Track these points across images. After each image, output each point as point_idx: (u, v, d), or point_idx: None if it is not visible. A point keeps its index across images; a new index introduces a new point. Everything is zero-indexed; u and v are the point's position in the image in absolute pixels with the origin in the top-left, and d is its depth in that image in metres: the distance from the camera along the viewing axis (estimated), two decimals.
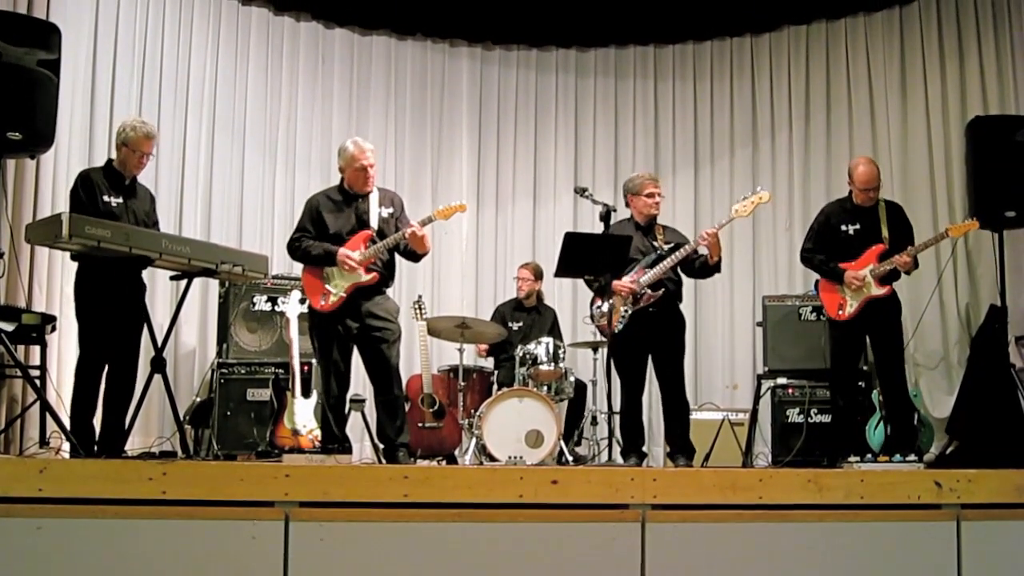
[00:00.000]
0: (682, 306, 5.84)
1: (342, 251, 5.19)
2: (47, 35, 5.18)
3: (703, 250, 5.53)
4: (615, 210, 5.43)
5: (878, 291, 5.56)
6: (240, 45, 7.88)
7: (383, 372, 5.25)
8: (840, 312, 5.64)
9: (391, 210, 5.40)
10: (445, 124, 8.68)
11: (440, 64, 8.70)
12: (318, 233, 5.31)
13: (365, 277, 5.22)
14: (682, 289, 5.78)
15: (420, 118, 8.61)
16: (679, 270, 5.67)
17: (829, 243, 5.76)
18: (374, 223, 5.31)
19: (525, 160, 8.74)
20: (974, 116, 6.72)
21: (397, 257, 5.48)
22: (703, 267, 5.64)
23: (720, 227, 5.49)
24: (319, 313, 5.27)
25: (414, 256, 5.44)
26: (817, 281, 7.12)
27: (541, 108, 8.80)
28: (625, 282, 5.46)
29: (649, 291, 5.49)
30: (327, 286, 5.23)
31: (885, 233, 5.62)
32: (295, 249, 5.35)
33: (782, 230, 8.28)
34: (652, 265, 5.54)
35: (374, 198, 5.38)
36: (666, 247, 5.59)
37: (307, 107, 8.19)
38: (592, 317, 5.78)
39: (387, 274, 5.38)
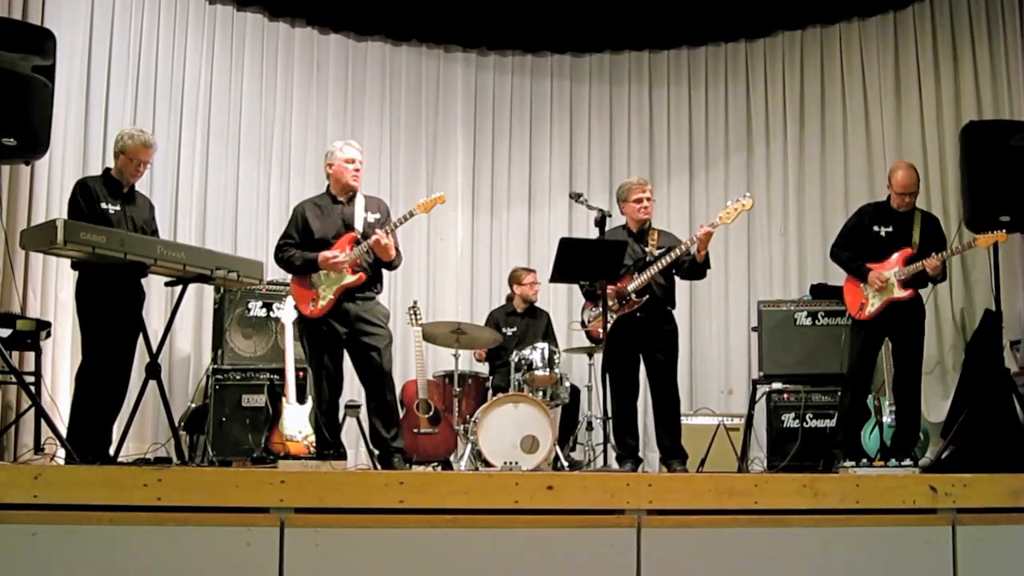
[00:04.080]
0: (678, 311, 5.85)
1: (323, 253, 5.19)
2: (42, 41, 5.15)
3: (694, 249, 5.54)
4: (610, 215, 5.43)
5: (900, 293, 5.56)
6: (235, 51, 7.89)
7: (375, 377, 5.24)
8: (861, 311, 5.65)
9: (377, 216, 5.39)
10: (440, 130, 8.68)
11: (435, 70, 8.71)
12: (304, 238, 5.31)
13: (351, 278, 5.21)
14: (674, 295, 5.78)
15: (415, 124, 8.60)
16: (672, 273, 5.68)
17: (860, 242, 5.76)
18: (359, 226, 5.31)
19: (520, 165, 8.75)
20: (968, 121, 6.72)
21: None
22: (692, 268, 5.65)
23: (710, 228, 5.49)
24: (309, 319, 5.27)
25: (383, 264, 5.38)
26: (812, 286, 7.18)
27: (536, 113, 8.81)
28: (612, 286, 5.47)
29: (633, 296, 5.50)
30: (315, 291, 5.24)
31: (916, 238, 5.63)
32: (279, 258, 5.38)
33: (777, 235, 8.30)
34: (641, 270, 5.55)
35: (359, 203, 5.37)
36: (656, 252, 5.60)
37: (302, 113, 8.19)
38: (583, 323, 5.79)
39: (375, 275, 5.35)
